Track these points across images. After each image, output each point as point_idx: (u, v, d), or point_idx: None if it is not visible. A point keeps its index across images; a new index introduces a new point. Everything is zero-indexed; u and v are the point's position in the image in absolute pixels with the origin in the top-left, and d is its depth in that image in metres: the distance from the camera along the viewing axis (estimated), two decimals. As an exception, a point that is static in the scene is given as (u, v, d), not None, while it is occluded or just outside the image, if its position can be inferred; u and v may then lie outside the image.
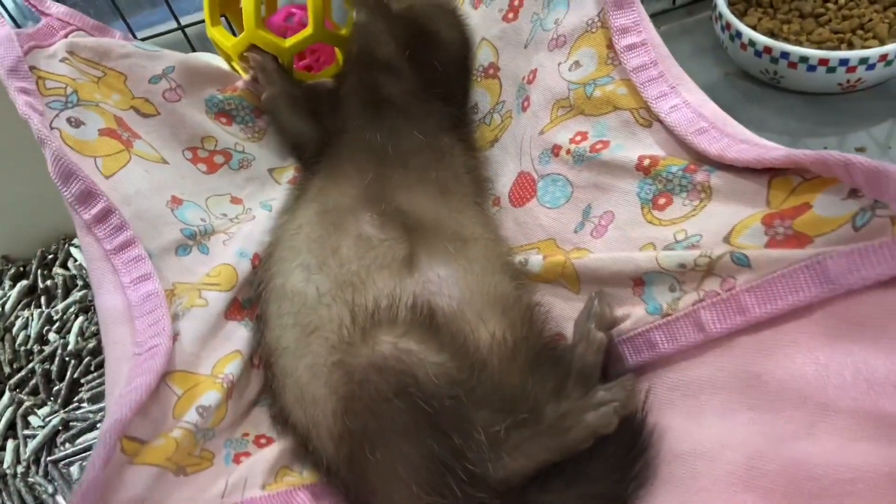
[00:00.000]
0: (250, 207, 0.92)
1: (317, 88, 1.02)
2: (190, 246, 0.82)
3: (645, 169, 0.72)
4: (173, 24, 1.20)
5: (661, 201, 0.71)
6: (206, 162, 0.92)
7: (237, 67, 1.01)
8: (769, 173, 0.63)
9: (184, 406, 0.69)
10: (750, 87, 1.24)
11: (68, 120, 0.81)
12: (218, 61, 1.05)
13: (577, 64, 0.81)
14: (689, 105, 0.71)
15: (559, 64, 0.82)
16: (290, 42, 0.93)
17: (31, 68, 0.81)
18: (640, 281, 0.70)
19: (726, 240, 0.64)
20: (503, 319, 0.72)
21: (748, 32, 1.15)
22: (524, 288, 0.79)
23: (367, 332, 0.67)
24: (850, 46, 1.18)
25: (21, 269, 1.19)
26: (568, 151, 0.80)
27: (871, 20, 1.19)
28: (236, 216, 0.90)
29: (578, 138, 0.79)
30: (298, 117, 0.98)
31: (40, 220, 1.17)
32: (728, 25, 1.18)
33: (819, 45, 1.19)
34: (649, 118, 0.74)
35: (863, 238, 0.55)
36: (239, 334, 0.79)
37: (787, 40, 1.21)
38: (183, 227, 0.83)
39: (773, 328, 0.59)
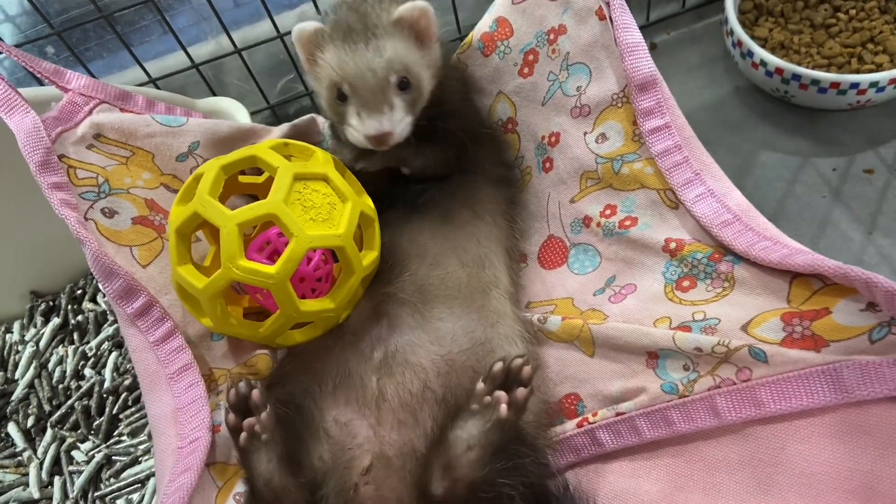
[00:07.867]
0: None
1: None
2: None
3: (671, 252, 0.75)
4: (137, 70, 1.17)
5: (686, 283, 0.75)
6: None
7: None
8: (792, 273, 0.67)
9: (224, 496, 0.75)
10: (760, 102, 1.24)
11: (102, 211, 0.82)
12: (240, 117, 1.04)
13: (603, 136, 0.82)
14: (714, 194, 0.74)
15: (585, 134, 0.84)
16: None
17: (61, 157, 0.81)
18: (654, 354, 0.73)
19: (744, 328, 0.68)
20: None
21: (760, 52, 1.15)
22: None
23: None
24: (860, 60, 1.19)
25: (51, 303, 1.22)
26: (598, 224, 0.82)
27: (881, 32, 1.19)
28: None
29: (608, 212, 0.82)
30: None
31: (68, 255, 1.18)
32: (739, 43, 1.18)
33: (829, 59, 1.20)
34: (675, 200, 0.76)
35: (877, 352, 0.60)
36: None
37: (797, 52, 1.22)
38: None
39: (786, 423, 0.64)
